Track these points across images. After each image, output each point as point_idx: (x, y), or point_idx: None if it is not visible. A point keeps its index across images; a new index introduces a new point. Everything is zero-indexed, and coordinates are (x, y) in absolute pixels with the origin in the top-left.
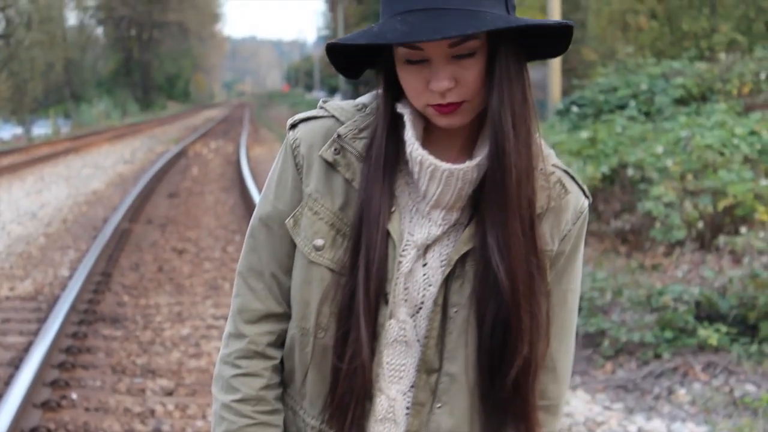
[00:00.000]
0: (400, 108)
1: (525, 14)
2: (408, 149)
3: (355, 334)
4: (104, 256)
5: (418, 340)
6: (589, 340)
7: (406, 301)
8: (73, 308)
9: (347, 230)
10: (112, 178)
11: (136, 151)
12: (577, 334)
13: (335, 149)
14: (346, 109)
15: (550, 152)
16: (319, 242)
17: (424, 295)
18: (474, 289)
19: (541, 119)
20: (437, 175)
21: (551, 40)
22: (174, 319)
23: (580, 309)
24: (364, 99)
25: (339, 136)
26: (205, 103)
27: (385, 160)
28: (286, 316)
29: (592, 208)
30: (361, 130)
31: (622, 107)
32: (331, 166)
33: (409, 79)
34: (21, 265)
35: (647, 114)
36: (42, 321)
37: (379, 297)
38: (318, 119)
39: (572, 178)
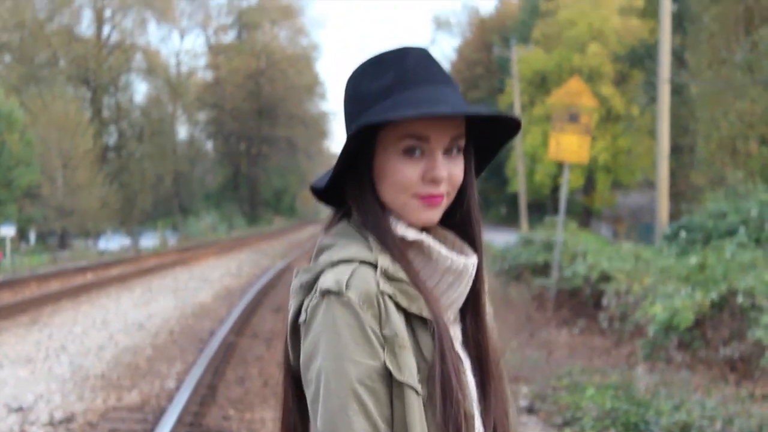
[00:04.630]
0: (413, 236)
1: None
2: (447, 264)
3: None
4: (210, 368)
5: None
6: None
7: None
8: (179, 420)
9: (424, 361)
10: (218, 291)
11: (242, 264)
12: None
13: (390, 283)
14: (365, 257)
15: None
16: (417, 374)
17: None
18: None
19: (649, 243)
20: (465, 274)
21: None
22: None
23: None
24: (359, 254)
25: (385, 270)
26: (311, 218)
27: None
28: None
29: (701, 335)
30: (392, 263)
31: (732, 233)
32: (391, 299)
33: (403, 169)
34: (128, 375)
35: (758, 241)
36: None
37: (467, 416)
38: (356, 273)
39: None
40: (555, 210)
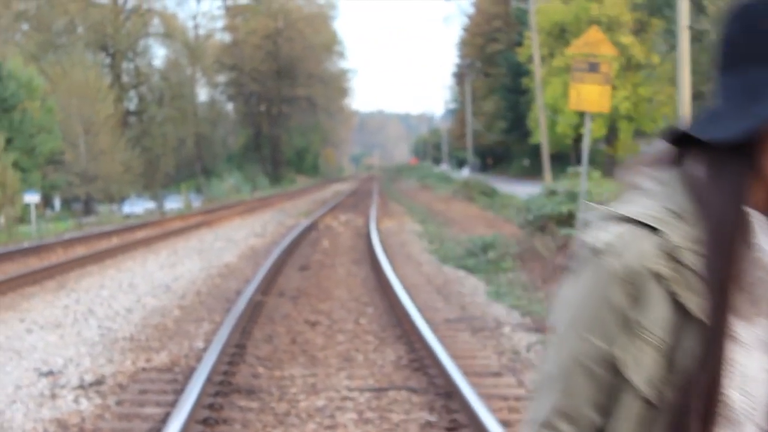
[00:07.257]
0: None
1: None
2: (757, 255)
3: None
4: (238, 328)
5: None
6: None
7: None
8: (209, 380)
9: (679, 364)
10: (243, 251)
11: (266, 224)
12: None
13: (672, 264)
14: (665, 220)
15: None
16: (651, 374)
17: None
18: None
19: None
20: None
21: None
22: (308, 390)
23: None
24: (666, 203)
25: (673, 246)
26: (334, 176)
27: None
28: None
29: None
30: (695, 242)
31: None
32: (660, 284)
33: None
34: (157, 337)
35: None
36: (179, 392)
37: None
38: (634, 240)
39: None
40: (578, 160)
